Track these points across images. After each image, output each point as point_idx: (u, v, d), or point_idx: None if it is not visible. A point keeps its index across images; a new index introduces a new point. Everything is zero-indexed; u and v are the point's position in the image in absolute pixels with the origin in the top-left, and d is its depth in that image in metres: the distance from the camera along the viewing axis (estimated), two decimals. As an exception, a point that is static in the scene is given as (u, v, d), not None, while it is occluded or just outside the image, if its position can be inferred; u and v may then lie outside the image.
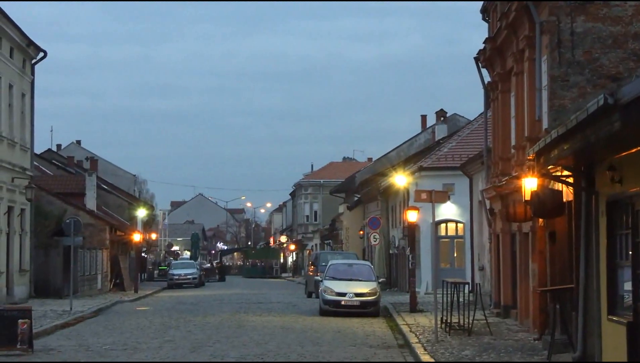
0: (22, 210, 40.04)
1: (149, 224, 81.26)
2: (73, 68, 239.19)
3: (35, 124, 41.80)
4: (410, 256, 35.29)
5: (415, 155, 56.84)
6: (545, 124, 22.15)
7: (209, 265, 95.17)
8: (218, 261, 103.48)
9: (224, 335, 25.27)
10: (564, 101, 21.71)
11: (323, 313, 32.94)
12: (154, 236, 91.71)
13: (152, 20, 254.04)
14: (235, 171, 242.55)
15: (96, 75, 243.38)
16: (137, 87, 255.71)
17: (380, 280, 36.50)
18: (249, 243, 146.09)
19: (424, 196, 25.01)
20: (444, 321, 24.92)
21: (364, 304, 32.73)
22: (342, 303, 32.72)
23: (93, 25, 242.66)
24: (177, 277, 64.55)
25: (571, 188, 18.21)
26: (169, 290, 59.36)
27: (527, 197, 19.69)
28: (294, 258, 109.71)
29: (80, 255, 45.50)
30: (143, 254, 74.57)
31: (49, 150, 76.79)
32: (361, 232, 62.79)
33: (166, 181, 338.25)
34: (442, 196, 25.97)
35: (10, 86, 38.34)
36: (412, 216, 33.72)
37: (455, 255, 45.73)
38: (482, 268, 34.69)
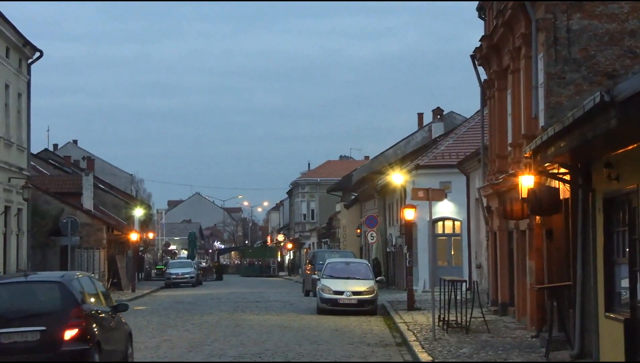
0: (19, 210, 39.99)
1: (146, 223, 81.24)
2: (70, 67, 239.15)
3: (31, 124, 41.73)
4: (407, 254, 35.29)
5: (412, 153, 56.89)
6: (541, 121, 22.17)
7: (205, 263, 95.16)
8: (215, 260, 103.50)
9: (221, 334, 25.27)
10: (560, 98, 21.73)
11: (320, 311, 32.94)
12: (151, 235, 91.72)
13: (150, 19, 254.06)
14: (232, 170, 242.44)
15: (94, 74, 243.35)
16: (135, 86, 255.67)
17: (377, 278, 36.51)
18: (246, 242, 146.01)
19: (420, 194, 25.01)
20: (441, 319, 24.92)
21: (361, 302, 32.73)
22: (340, 301, 32.72)
23: (91, 24, 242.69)
24: (174, 276, 64.56)
25: (568, 185, 18.23)
26: (167, 289, 59.37)
27: (524, 195, 19.71)
28: (291, 257, 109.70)
29: (77, 255, 45.46)
30: (140, 253, 74.56)
31: (46, 150, 76.79)
32: (358, 230, 62.82)
33: (163, 181, 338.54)
34: (439, 194, 25.98)
35: (7, 86, 38.28)
36: (409, 214, 33.72)
37: (452, 253, 45.75)
38: (479, 266, 34.70)
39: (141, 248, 75.99)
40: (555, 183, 19.44)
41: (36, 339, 15.66)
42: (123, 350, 17.84)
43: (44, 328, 15.71)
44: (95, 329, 16.18)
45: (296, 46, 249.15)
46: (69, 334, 15.69)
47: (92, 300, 16.98)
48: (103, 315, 17.02)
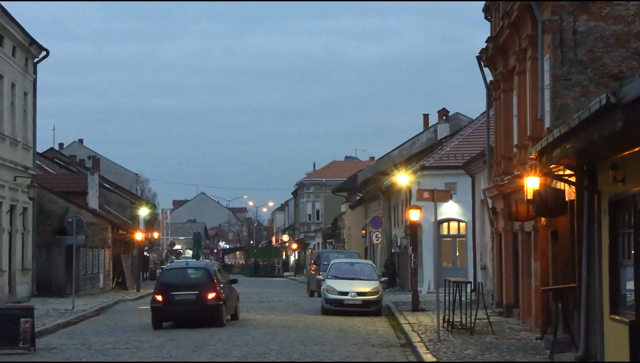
0: (25, 209, 40.05)
1: (151, 223, 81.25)
2: (75, 67, 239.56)
3: (37, 123, 41.81)
4: (412, 255, 35.28)
5: (418, 154, 56.83)
6: (547, 123, 22.15)
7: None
8: (220, 260, 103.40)
9: (225, 334, 25.28)
10: (566, 100, 21.71)
11: (325, 312, 32.94)
12: (156, 235, 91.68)
13: (153, 19, 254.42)
14: (237, 169, 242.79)
15: (98, 73, 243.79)
16: (139, 86, 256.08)
17: (382, 279, 36.49)
18: (251, 242, 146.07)
19: (426, 195, 25.00)
20: (446, 320, 24.91)
21: (366, 303, 32.71)
22: (345, 302, 32.70)
23: (95, 24, 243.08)
24: (179, 276, 64.39)
25: (573, 187, 18.21)
26: (171, 289, 59.25)
27: (530, 196, 19.68)
28: (296, 257, 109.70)
29: (83, 254, 45.51)
30: (145, 253, 74.57)
31: (52, 149, 76.82)
32: (363, 231, 62.79)
33: (168, 180, 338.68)
34: (444, 195, 25.97)
35: (13, 85, 38.35)
36: (414, 215, 33.71)
37: (457, 254, 45.70)
38: (484, 267, 34.67)
39: (146, 248, 76.00)
40: (560, 185, 19.42)
41: (193, 298, 28.12)
42: (235, 305, 30.62)
43: (197, 292, 28.20)
44: (223, 293, 28.54)
45: (298, 46, 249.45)
46: (210, 296, 28.10)
47: (220, 276, 29.77)
48: (224, 285, 29.53)
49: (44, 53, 41.47)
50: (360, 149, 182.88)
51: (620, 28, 21.88)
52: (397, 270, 51.94)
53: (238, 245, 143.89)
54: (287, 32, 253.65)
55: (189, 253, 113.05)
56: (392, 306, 34.01)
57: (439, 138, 58.41)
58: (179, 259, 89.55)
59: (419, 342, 21.98)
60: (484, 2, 32.07)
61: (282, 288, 59.74)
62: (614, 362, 15.56)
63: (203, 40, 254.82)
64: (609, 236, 15.95)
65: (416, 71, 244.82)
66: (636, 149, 13.55)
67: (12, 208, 38.34)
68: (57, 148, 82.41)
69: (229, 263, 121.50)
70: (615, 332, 15.46)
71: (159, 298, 28.34)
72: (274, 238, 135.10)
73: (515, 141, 27.05)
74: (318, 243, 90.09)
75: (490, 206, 31.60)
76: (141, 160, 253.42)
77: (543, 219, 22.15)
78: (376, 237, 51.62)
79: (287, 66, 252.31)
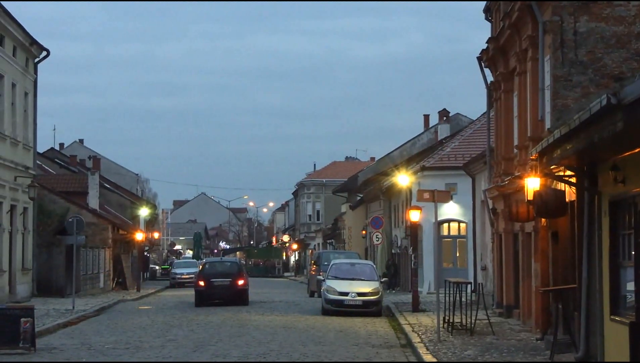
0: (25, 209, 40.05)
1: (151, 223, 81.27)
2: (75, 66, 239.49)
3: (38, 123, 41.83)
4: (412, 255, 35.27)
5: (418, 155, 56.84)
6: (548, 124, 22.15)
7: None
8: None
9: (226, 334, 25.28)
10: (566, 100, 21.71)
11: (325, 312, 32.93)
12: (156, 235, 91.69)
13: (153, 19, 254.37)
14: (237, 170, 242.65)
15: (98, 73, 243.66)
16: (139, 86, 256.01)
17: (382, 280, 36.47)
18: (252, 242, 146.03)
19: (426, 195, 25.00)
20: (446, 321, 24.91)
21: (366, 304, 32.70)
22: (345, 302, 32.69)
23: (95, 24, 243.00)
24: (179, 276, 64.55)
25: (574, 188, 18.21)
26: (172, 289, 59.38)
27: (530, 197, 19.68)
28: (297, 258, 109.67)
29: (83, 254, 45.51)
30: (145, 253, 74.57)
31: (52, 149, 76.88)
32: (364, 232, 62.78)
33: (169, 180, 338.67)
34: (445, 195, 25.97)
35: (13, 85, 38.35)
36: (414, 215, 33.71)
37: (457, 254, 45.69)
38: (484, 268, 34.67)
39: (146, 248, 75.99)
40: (561, 186, 19.42)
41: (227, 284, 37.54)
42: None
43: (230, 279, 37.66)
44: (247, 279, 39.04)
45: (298, 46, 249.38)
46: (240, 282, 37.82)
47: (244, 269, 40.35)
48: (245, 274, 39.40)
49: (44, 53, 41.48)
50: (361, 149, 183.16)
51: (621, 29, 21.88)
52: (399, 272, 51.92)
53: (238, 245, 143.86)
54: (288, 32, 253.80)
55: (189, 253, 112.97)
56: (392, 306, 34.01)
57: (439, 139, 58.42)
58: (179, 259, 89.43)
59: (419, 342, 21.98)
60: (485, 2, 32.08)
61: (283, 289, 59.73)
62: (614, 363, 15.57)
63: (203, 40, 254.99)
64: (609, 237, 15.95)
65: (416, 71, 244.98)
66: (637, 150, 13.55)
67: (13, 208, 38.34)
68: (57, 148, 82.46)
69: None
70: (615, 332, 15.46)
71: (202, 283, 37.82)
72: (274, 239, 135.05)
73: (516, 142, 27.05)
74: (318, 244, 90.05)
75: (490, 206, 31.59)
76: (141, 160, 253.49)
77: (543, 220, 22.14)
78: (376, 238, 51.61)
79: (287, 66, 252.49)
